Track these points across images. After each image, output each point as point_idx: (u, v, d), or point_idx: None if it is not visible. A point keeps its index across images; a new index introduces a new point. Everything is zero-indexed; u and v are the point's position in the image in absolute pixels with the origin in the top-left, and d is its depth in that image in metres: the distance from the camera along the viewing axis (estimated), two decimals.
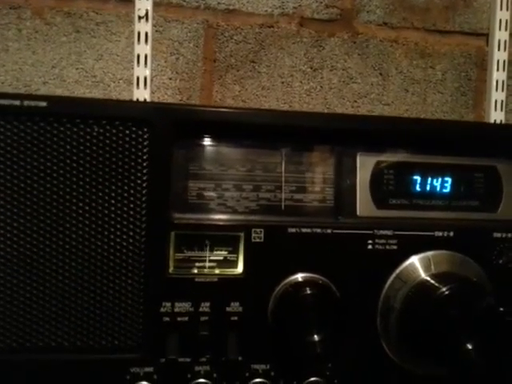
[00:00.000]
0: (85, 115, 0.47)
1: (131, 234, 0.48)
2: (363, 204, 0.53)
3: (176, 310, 0.48)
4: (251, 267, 0.50)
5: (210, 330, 0.48)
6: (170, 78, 0.85)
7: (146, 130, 0.48)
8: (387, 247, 0.52)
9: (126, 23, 0.83)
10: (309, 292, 0.48)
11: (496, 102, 0.92)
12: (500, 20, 0.92)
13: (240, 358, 0.49)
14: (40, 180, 0.47)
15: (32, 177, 0.47)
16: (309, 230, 0.50)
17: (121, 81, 0.84)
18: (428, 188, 0.54)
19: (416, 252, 0.52)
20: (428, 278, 0.51)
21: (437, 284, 0.50)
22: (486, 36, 0.94)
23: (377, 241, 0.51)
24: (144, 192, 0.48)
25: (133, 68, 0.80)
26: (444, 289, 0.48)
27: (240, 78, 0.87)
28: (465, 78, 0.94)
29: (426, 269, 0.52)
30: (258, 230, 0.50)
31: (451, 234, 0.53)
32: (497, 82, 0.92)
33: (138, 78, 0.80)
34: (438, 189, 0.55)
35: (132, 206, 0.48)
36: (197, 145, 0.51)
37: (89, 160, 0.47)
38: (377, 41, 0.91)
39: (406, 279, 0.51)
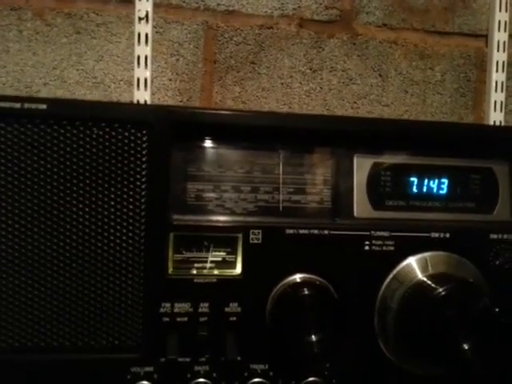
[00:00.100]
0: (84, 117, 0.48)
1: (131, 235, 0.49)
2: (360, 205, 0.53)
3: (175, 310, 0.49)
4: (249, 268, 0.50)
5: (209, 330, 0.49)
6: (170, 79, 0.85)
7: (144, 132, 0.49)
8: (384, 248, 0.52)
9: (126, 24, 0.84)
10: (306, 292, 0.49)
11: (495, 102, 0.92)
12: (499, 21, 0.92)
13: (239, 358, 0.49)
14: (40, 181, 0.47)
15: (32, 178, 0.47)
16: (306, 232, 0.51)
17: (121, 82, 0.84)
18: (424, 189, 0.55)
19: (413, 253, 0.52)
20: (425, 279, 0.51)
21: (433, 285, 0.50)
22: (486, 37, 0.94)
23: (374, 242, 0.52)
24: (143, 194, 0.49)
25: (133, 69, 0.81)
26: (441, 289, 0.49)
27: (240, 79, 0.87)
28: (464, 79, 0.95)
29: (423, 270, 0.52)
30: (256, 231, 0.50)
31: (447, 235, 0.53)
32: (496, 83, 0.92)
33: (138, 79, 0.81)
34: (435, 190, 0.55)
35: (131, 207, 0.49)
36: (195, 147, 0.52)
37: (88, 162, 0.48)
38: (376, 42, 0.92)
39: (403, 280, 0.52)
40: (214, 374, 0.49)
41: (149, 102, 0.80)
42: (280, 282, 0.50)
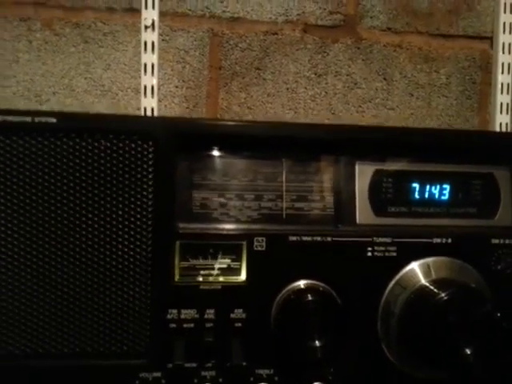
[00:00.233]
0: (92, 130, 0.49)
1: (138, 243, 0.50)
2: (362, 212, 0.54)
3: (182, 316, 0.50)
4: (254, 275, 0.51)
5: (215, 336, 0.50)
6: (177, 86, 0.87)
7: (150, 143, 0.50)
8: (386, 254, 0.53)
9: (132, 33, 0.85)
10: (310, 298, 0.50)
11: (501, 104, 0.92)
12: (504, 23, 0.92)
13: (244, 363, 0.50)
14: (51, 192, 0.49)
15: (43, 189, 0.49)
16: (309, 238, 0.52)
17: (128, 89, 0.85)
18: (426, 195, 0.56)
19: (415, 259, 0.53)
20: (427, 284, 0.52)
21: (436, 290, 0.51)
22: (490, 39, 0.94)
23: (376, 248, 0.53)
24: (150, 203, 0.50)
25: (140, 77, 0.82)
26: (443, 294, 0.49)
27: (245, 85, 0.88)
28: (469, 81, 0.95)
29: (426, 275, 0.53)
30: (259, 238, 0.51)
31: (450, 240, 0.54)
32: (502, 84, 0.92)
33: (145, 87, 0.82)
34: (436, 196, 0.56)
35: (138, 216, 0.50)
36: (200, 156, 0.53)
37: (97, 172, 0.49)
38: (380, 46, 0.92)
39: (406, 285, 0.53)
40: (221, 379, 0.50)
41: (156, 109, 0.81)
42: (284, 288, 0.51)
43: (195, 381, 0.50)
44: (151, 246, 0.50)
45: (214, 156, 0.53)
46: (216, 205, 0.52)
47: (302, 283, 0.51)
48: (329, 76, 0.91)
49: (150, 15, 0.82)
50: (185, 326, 0.50)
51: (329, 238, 0.52)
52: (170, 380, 0.50)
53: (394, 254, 0.53)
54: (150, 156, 0.50)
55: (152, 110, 0.81)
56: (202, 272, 0.51)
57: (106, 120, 0.51)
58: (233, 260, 0.51)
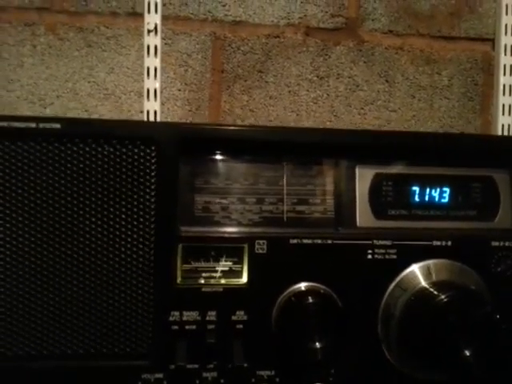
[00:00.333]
0: (96, 135, 0.50)
1: (141, 246, 0.51)
2: (363, 215, 0.55)
3: (184, 318, 0.51)
4: (255, 277, 0.52)
5: (216, 338, 0.50)
6: (179, 90, 0.87)
7: (153, 148, 0.51)
8: (386, 257, 0.53)
9: (135, 37, 0.86)
10: (311, 301, 0.50)
11: (503, 106, 0.92)
12: (506, 25, 0.92)
13: (246, 365, 0.51)
14: (55, 197, 0.50)
15: (47, 194, 0.50)
16: (310, 241, 0.52)
17: (131, 93, 0.86)
18: (426, 198, 0.56)
19: (415, 261, 0.54)
20: (427, 286, 0.52)
21: (436, 292, 0.51)
22: (492, 41, 0.94)
23: (376, 251, 0.53)
24: (152, 207, 0.51)
25: (143, 80, 0.83)
26: (443, 296, 0.50)
27: (248, 88, 0.89)
28: (471, 83, 0.95)
29: (426, 277, 0.53)
30: (261, 241, 0.52)
31: (449, 243, 0.54)
32: (504, 86, 0.92)
33: (148, 90, 0.82)
34: (436, 199, 0.56)
35: (141, 220, 0.51)
36: (202, 161, 0.53)
37: (100, 177, 0.50)
38: (382, 48, 0.92)
39: (406, 287, 0.53)
40: (222, 381, 0.51)
41: (158, 112, 0.82)
42: (285, 290, 0.52)
43: (197, 382, 0.51)
44: (154, 249, 0.51)
45: (215, 160, 0.54)
46: (218, 208, 0.53)
47: (302, 285, 0.52)
48: (331, 78, 0.91)
49: (152, 19, 0.82)
50: (187, 327, 0.51)
51: (329, 241, 0.53)
52: (171, 381, 0.50)
53: (394, 257, 0.53)
54: (153, 160, 0.51)
55: (155, 113, 0.82)
56: (203, 274, 0.52)
57: (110, 125, 0.52)
58: (234, 263, 0.52)
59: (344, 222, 0.54)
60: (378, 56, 0.92)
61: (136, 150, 0.50)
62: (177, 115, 0.87)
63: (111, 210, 0.50)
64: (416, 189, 0.56)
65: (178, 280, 0.51)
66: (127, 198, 0.50)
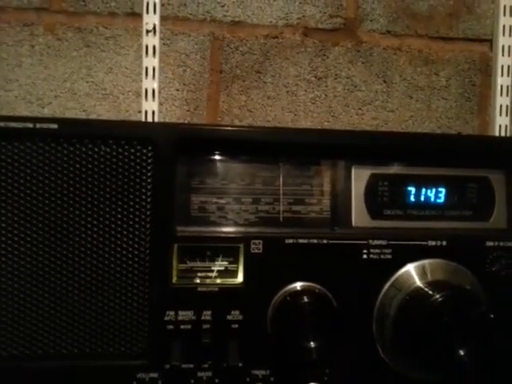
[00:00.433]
0: (93, 136, 0.50)
1: (137, 246, 0.51)
2: (358, 215, 0.55)
3: (179, 318, 0.51)
4: (251, 277, 0.52)
5: (211, 338, 0.51)
6: (178, 90, 0.88)
7: (150, 148, 0.51)
8: (382, 256, 0.53)
9: (134, 37, 0.86)
10: (306, 300, 0.50)
11: (501, 107, 0.93)
12: (504, 26, 0.92)
13: (241, 364, 0.51)
14: (52, 197, 0.50)
15: (44, 194, 0.50)
16: (306, 241, 0.53)
17: (130, 93, 0.86)
18: (422, 199, 0.56)
19: (410, 261, 0.54)
20: (422, 286, 0.53)
21: (431, 291, 0.51)
22: (490, 42, 0.94)
23: (371, 250, 0.53)
24: (149, 206, 0.51)
25: (141, 80, 0.83)
26: (438, 296, 0.50)
27: (246, 88, 0.89)
28: (469, 83, 0.95)
29: (421, 277, 0.53)
30: (256, 241, 0.52)
31: (445, 243, 0.54)
32: (501, 87, 0.93)
33: (146, 90, 0.83)
34: (432, 199, 0.56)
35: (137, 219, 0.51)
36: (198, 161, 0.54)
37: (97, 177, 0.50)
38: (380, 49, 0.93)
39: (401, 287, 0.53)
40: (217, 380, 0.51)
41: (156, 112, 0.82)
42: (280, 290, 0.52)
43: (192, 381, 0.51)
44: (150, 249, 0.51)
45: (212, 160, 0.54)
46: (214, 208, 0.53)
47: (298, 285, 0.52)
48: (329, 79, 0.91)
49: (151, 19, 0.83)
50: (182, 327, 0.51)
51: (325, 241, 0.53)
52: (166, 381, 0.50)
53: (390, 257, 0.54)
54: (150, 161, 0.51)
55: (153, 113, 0.82)
56: (199, 274, 0.52)
57: (107, 126, 0.52)
58: (230, 262, 0.52)
59: (340, 222, 0.54)
60: (376, 56, 0.92)
61: (133, 151, 0.51)
62: (175, 115, 0.87)
63: (108, 209, 0.51)
64: (412, 189, 0.56)
65: (174, 280, 0.51)
66: (124, 198, 0.51)
